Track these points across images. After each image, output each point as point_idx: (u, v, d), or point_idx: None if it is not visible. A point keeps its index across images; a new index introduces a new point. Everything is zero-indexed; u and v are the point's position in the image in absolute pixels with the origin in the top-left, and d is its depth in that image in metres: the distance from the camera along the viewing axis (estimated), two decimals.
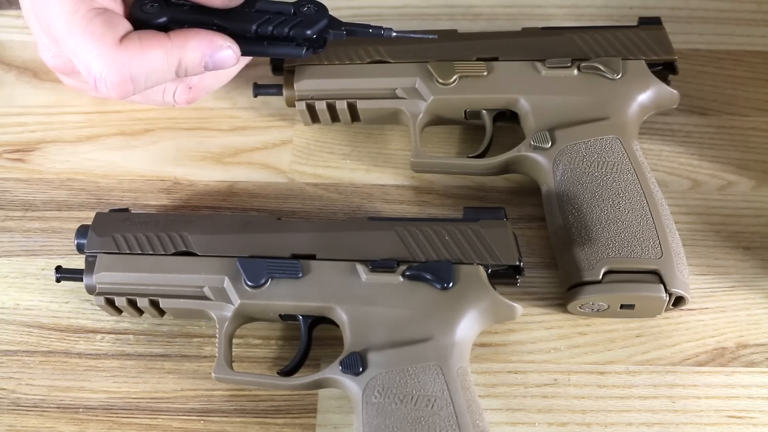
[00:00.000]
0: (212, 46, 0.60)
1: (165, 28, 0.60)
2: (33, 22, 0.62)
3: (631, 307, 0.62)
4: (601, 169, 0.64)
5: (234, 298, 0.60)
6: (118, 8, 0.60)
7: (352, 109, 0.69)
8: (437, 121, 0.70)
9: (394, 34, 0.63)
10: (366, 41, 0.69)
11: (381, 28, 0.63)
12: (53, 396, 0.62)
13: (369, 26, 0.63)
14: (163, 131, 0.73)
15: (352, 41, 0.69)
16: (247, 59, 0.67)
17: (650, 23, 0.70)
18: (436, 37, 0.65)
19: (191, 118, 0.74)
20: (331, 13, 0.62)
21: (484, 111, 0.68)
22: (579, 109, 0.66)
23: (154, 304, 0.61)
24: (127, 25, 0.59)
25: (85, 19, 0.58)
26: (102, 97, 0.69)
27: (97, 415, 0.61)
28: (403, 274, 0.59)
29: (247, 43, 0.61)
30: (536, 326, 0.64)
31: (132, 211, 0.65)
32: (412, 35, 0.64)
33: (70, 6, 0.58)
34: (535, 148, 0.65)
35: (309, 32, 0.61)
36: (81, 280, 0.62)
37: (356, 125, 0.72)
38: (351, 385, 0.57)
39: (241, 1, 0.61)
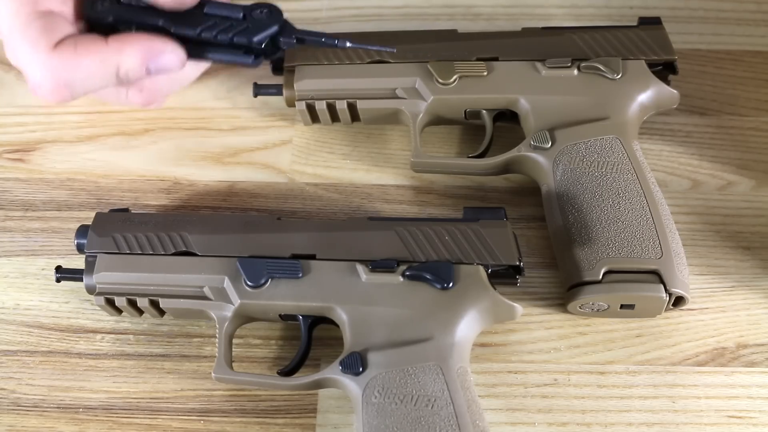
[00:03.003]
0: (151, 52, 0.59)
1: (113, 27, 0.60)
2: None
3: (631, 307, 0.62)
4: (601, 169, 0.64)
5: (234, 298, 0.60)
6: (68, 9, 0.60)
7: (352, 109, 0.69)
8: (437, 121, 0.70)
9: (348, 44, 0.61)
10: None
11: (335, 39, 0.61)
12: (53, 396, 0.62)
13: (322, 35, 0.61)
14: (163, 131, 0.73)
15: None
16: (203, 66, 0.66)
17: (650, 23, 0.70)
18: (394, 50, 0.64)
19: (191, 118, 0.74)
20: (286, 16, 0.61)
21: (484, 111, 0.68)
22: (579, 109, 0.66)
23: (154, 304, 0.61)
24: (68, 29, 0.59)
25: (25, 23, 0.57)
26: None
27: (97, 415, 0.61)
28: (403, 274, 0.59)
29: (194, 48, 0.60)
30: (536, 326, 0.64)
31: (132, 211, 0.65)
32: (368, 47, 0.63)
33: (13, 8, 0.58)
34: (535, 148, 0.65)
35: (255, 39, 0.59)
36: (81, 280, 0.62)
37: (356, 125, 0.72)
38: (351, 385, 0.57)
39: (193, 3, 0.60)
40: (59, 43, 0.58)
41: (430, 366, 0.57)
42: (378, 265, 0.60)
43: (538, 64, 0.68)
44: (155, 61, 0.59)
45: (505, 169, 0.68)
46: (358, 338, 0.58)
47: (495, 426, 0.60)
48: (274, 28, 0.60)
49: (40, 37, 0.58)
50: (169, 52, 0.60)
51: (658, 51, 0.68)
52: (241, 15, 0.60)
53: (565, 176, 0.64)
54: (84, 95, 0.60)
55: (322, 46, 0.62)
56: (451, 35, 0.70)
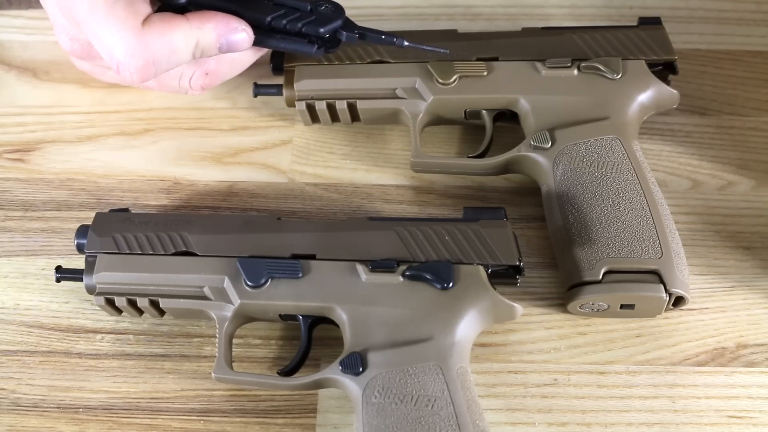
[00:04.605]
0: (228, 28, 0.61)
1: (183, 10, 0.61)
2: (51, 5, 0.62)
3: (631, 307, 0.62)
4: (601, 169, 0.64)
5: (234, 298, 0.60)
6: None
7: (352, 109, 0.69)
8: (437, 121, 0.70)
9: (406, 44, 0.64)
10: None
11: (394, 36, 0.64)
12: (53, 396, 0.62)
13: (382, 33, 0.64)
14: (163, 131, 0.73)
15: None
16: (262, 51, 0.67)
17: (650, 23, 0.70)
18: (447, 52, 0.65)
19: (191, 118, 0.74)
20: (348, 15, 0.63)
21: (484, 111, 0.68)
22: (579, 109, 0.66)
23: (154, 304, 0.61)
24: (147, 8, 0.60)
25: (108, 2, 0.58)
26: (117, 82, 0.70)
27: (97, 415, 0.61)
28: (403, 274, 0.59)
29: (260, 34, 0.63)
30: (536, 326, 0.64)
31: (132, 211, 0.65)
32: (423, 48, 0.64)
33: None
34: (535, 148, 0.65)
35: (321, 30, 0.62)
36: (81, 280, 0.62)
37: (356, 125, 0.72)
38: (351, 385, 0.57)
39: None
40: (145, 21, 0.59)
41: (430, 366, 0.57)
42: (378, 265, 0.60)
43: (538, 64, 0.68)
44: (228, 38, 0.61)
45: (505, 169, 0.68)
46: (358, 338, 0.58)
47: (495, 426, 0.60)
48: (339, 22, 0.63)
49: (128, 16, 0.58)
50: (242, 31, 0.62)
51: (658, 51, 0.68)
52: (309, 8, 0.63)
53: (565, 176, 0.64)
54: (165, 72, 0.61)
55: (381, 44, 0.65)
56: (451, 35, 0.70)
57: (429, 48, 0.65)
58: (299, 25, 0.62)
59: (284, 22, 0.62)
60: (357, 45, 0.69)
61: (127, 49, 0.58)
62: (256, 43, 0.63)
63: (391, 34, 0.64)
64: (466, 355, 0.58)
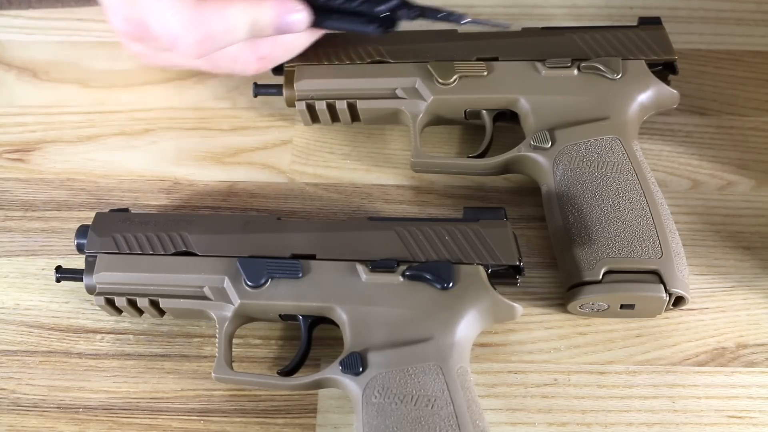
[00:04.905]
0: (285, 8, 0.61)
1: None
2: None
3: (631, 307, 0.62)
4: (601, 169, 0.64)
5: (234, 298, 0.60)
6: None
7: (352, 109, 0.69)
8: (437, 121, 0.70)
9: (467, 20, 0.63)
10: (366, 41, 0.69)
11: (452, 13, 0.63)
12: (53, 396, 0.62)
13: (440, 10, 0.63)
14: (163, 131, 0.73)
15: (353, 40, 0.69)
16: (317, 34, 0.67)
17: (650, 23, 0.70)
18: (509, 25, 0.65)
19: (191, 118, 0.74)
20: None
21: (484, 111, 0.68)
22: (579, 109, 0.66)
23: (154, 304, 0.61)
24: None
25: None
26: (169, 65, 0.69)
27: (97, 415, 0.61)
28: (403, 274, 0.59)
29: (317, 14, 0.62)
30: (536, 326, 0.64)
31: (132, 211, 0.65)
32: (484, 23, 0.64)
33: None
34: (535, 148, 0.65)
35: (380, 8, 0.62)
36: (81, 280, 0.62)
37: (356, 125, 0.72)
38: (351, 385, 0.57)
39: None
40: None
41: (430, 366, 0.57)
42: (378, 265, 0.60)
43: (538, 64, 0.68)
44: (285, 19, 0.61)
45: (505, 169, 0.68)
46: (358, 338, 0.58)
47: (495, 426, 0.60)
48: (397, 1, 0.62)
49: None
50: (299, 11, 0.61)
51: (658, 51, 0.68)
52: None
53: (565, 176, 0.64)
54: (221, 48, 0.61)
55: (439, 20, 0.63)
56: (451, 35, 0.70)
57: (489, 22, 0.64)
58: (356, 3, 0.61)
59: (341, 0, 0.61)
60: (356, 44, 0.69)
61: (183, 22, 0.58)
62: (313, 24, 0.62)
63: (449, 11, 0.63)
64: (466, 355, 0.58)
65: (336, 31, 0.67)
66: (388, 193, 0.70)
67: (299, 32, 0.62)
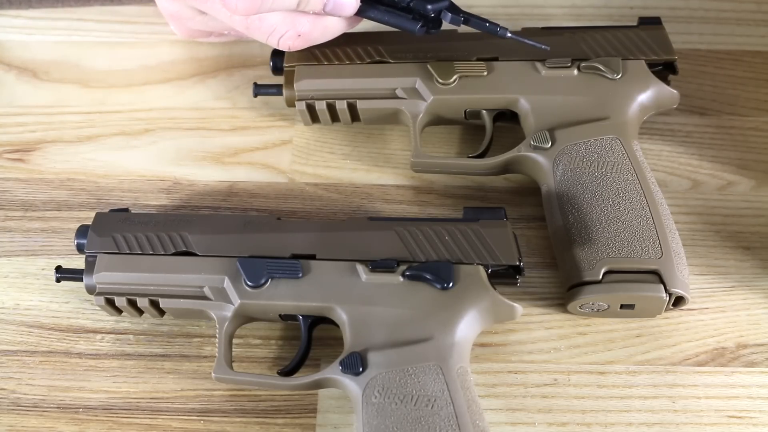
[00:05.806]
0: None
1: None
2: None
3: (631, 307, 0.62)
4: (601, 169, 0.64)
5: (234, 298, 0.60)
6: None
7: (352, 109, 0.69)
8: (437, 121, 0.70)
9: (509, 35, 0.64)
10: (365, 41, 0.69)
11: (498, 26, 0.64)
12: (53, 396, 0.62)
13: (486, 21, 0.64)
14: (163, 131, 0.73)
15: (352, 41, 0.69)
16: (356, 23, 0.67)
17: (650, 23, 0.70)
18: (548, 48, 0.65)
19: (191, 118, 0.74)
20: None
21: (484, 111, 0.68)
22: (579, 109, 0.66)
23: (154, 304, 0.61)
24: None
25: None
26: (203, 28, 0.69)
27: (97, 415, 0.61)
28: (403, 274, 0.59)
29: (365, 2, 0.63)
30: (536, 326, 0.64)
31: (132, 211, 0.65)
32: (524, 41, 0.64)
33: None
34: (535, 148, 0.65)
35: (429, 7, 0.62)
36: (81, 280, 0.62)
37: (356, 125, 0.72)
38: (351, 385, 0.57)
39: None
40: None
41: (430, 366, 0.57)
42: (378, 265, 0.60)
43: (538, 64, 0.68)
44: None
45: (505, 169, 0.68)
46: (358, 338, 0.58)
47: (495, 426, 0.60)
48: (447, 3, 0.63)
49: None
50: None
51: (658, 51, 0.68)
52: None
53: (565, 176, 0.64)
54: (267, 11, 0.61)
55: (483, 30, 0.64)
56: (451, 35, 0.70)
57: (530, 42, 0.65)
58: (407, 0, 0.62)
59: None
60: (356, 44, 0.69)
61: None
62: (359, 11, 0.63)
63: (494, 24, 0.64)
64: (466, 355, 0.58)
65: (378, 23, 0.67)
66: (388, 193, 0.70)
67: (344, 16, 0.62)
